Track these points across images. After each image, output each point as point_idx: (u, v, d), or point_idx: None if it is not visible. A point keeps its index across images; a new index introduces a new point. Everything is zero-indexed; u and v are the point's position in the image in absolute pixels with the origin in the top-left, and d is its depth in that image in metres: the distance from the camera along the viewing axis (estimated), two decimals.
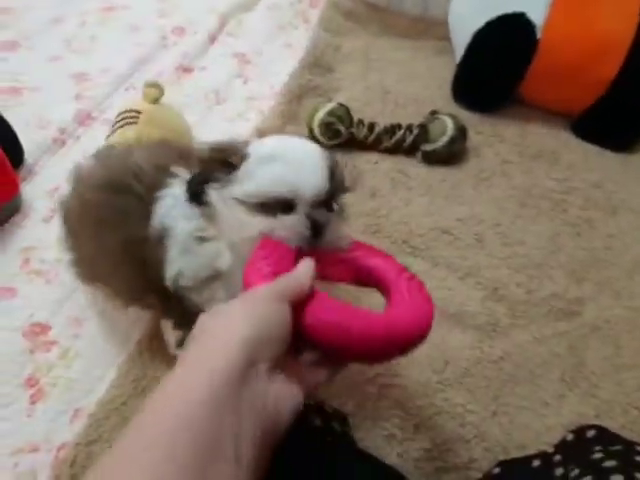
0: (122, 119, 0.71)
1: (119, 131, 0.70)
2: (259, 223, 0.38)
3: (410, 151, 0.81)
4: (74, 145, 0.81)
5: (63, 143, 0.81)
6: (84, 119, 0.84)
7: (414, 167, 0.80)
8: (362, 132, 0.80)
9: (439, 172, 0.79)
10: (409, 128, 0.80)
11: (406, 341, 0.32)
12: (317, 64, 0.94)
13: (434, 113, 0.80)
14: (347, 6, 1.02)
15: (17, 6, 1.05)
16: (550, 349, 0.58)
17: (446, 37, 0.96)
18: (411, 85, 0.91)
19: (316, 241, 0.37)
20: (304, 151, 0.40)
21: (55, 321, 0.61)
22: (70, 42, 0.99)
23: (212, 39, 1.03)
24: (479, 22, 0.78)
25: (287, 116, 0.86)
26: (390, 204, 0.75)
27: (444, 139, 0.78)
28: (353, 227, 0.71)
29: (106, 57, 0.96)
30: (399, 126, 0.81)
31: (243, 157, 0.40)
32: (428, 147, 0.79)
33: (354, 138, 0.80)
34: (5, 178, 0.67)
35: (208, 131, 0.86)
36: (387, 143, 0.81)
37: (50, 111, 0.85)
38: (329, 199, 0.40)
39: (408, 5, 0.99)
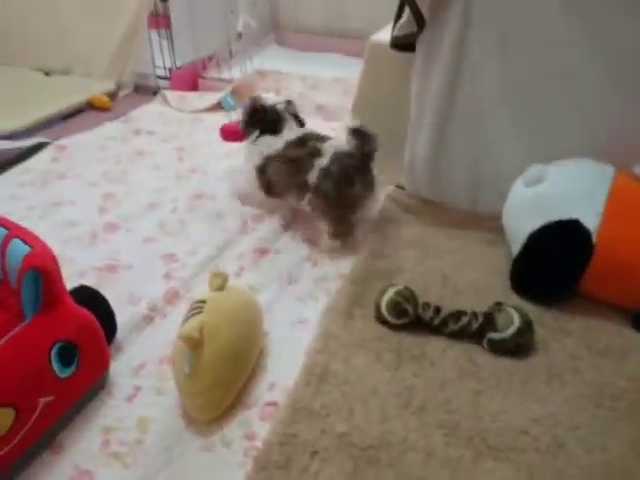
0: (192, 310, 0.76)
1: (188, 321, 0.74)
2: None
3: (475, 337, 0.84)
4: (161, 322, 0.88)
5: (152, 320, 0.88)
6: (172, 298, 0.93)
7: (482, 356, 0.81)
8: (428, 314, 0.85)
9: (508, 364, 0.80)
10: (474, 315, 0.84)
11: None
12: (377, 252, 1.03)
13: (499, 304, 0.85)
14: (405, 201, 1.16)
15: (119, 192, 1.24)
16: None
17: (496, 230, 1.05)
18: (468, 272, 0.98)
19: None
20: None
21: None
22: (162, 226, 1.13)
23: (286, 225, 1.16)
24: (534, 224, 0.86)
25: (354, 298, 0.92)
26: (460, 395, 0.75)
27: (511, 330, 0.80)
28: (425, 420, 0.71)
29: (194, 240, 1.09)
30: (464, 312, 0.85)
31: None
32: (495, 336, 0.81)
33: (420, 319, 0.85)
34: (100, 354, 0.73)
35: (280, 309, 0.93)
36: (453, 327, 0.84)
37: (141, 289, 0.94)
38: None
39: (460, 201, 1.12)
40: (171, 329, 0.86)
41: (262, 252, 1.07)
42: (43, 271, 0.64)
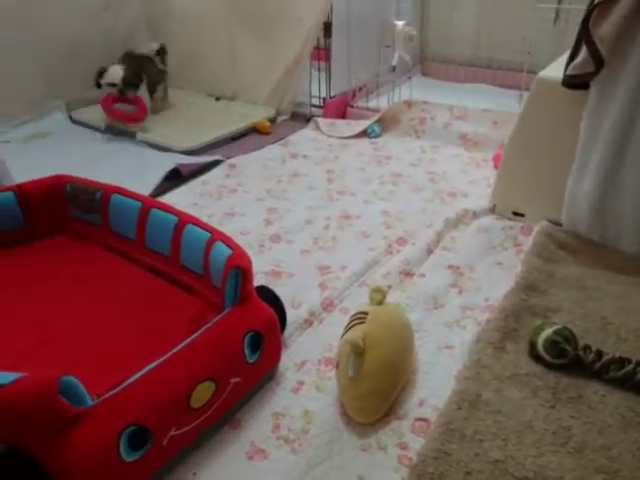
0: (354, 319, 0.84)
1: (352, 329, 0.82)
2: None
3: (638, 388, 0.79)
4: (318, 327, 0.97)
5: (310, 324, 0.98)
6: (327, 306, 1.02)
7: None
8: (589, 357, 0.82)
9: None
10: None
11: None
12: (530, 287, 1.02)
13: None
14: (560, 237, 1.13)
15: (280, 208, 1.38)
16: None
17: None
18: (632, 320, 0.92)
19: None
20: None
21: None
22: (317, 240, 1.24)
23: (429, 251, 1.20)
24: None
25: (504, 331, 0.92)
26: (622, 444, 0.72)
27: None
28: (582, 462, 0.69)
29: (344, 256, 1.18)
30: (629, 360, 0.81)
31: None
32: None
33: (580, 362, 0.82)
34: (277, 346, 0.83)
35: (427, 333, 0.96)
36: (615, 374, 0.80)
37: (301, 294, 1.05)
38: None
39: (624, 243, 1.06)
40: (327, 334, 0.95)
41: (407, 274, 1.12)
42: (243, 270, 0.77)
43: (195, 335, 0.72)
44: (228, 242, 0.84)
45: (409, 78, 1.92)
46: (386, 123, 1.86)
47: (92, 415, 0.62)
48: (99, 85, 1.74)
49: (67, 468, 0.59)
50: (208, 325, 0.74)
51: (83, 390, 0.64)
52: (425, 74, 2.29)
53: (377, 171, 1.60)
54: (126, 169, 1.55)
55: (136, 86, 1.77)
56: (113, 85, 1.72)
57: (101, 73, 1.74)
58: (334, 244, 1.23)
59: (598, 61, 0.92)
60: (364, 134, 1.84)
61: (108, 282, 0.96)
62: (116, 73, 1.71)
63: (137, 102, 1.78)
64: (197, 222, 0.91)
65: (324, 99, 1.93)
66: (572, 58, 0.97)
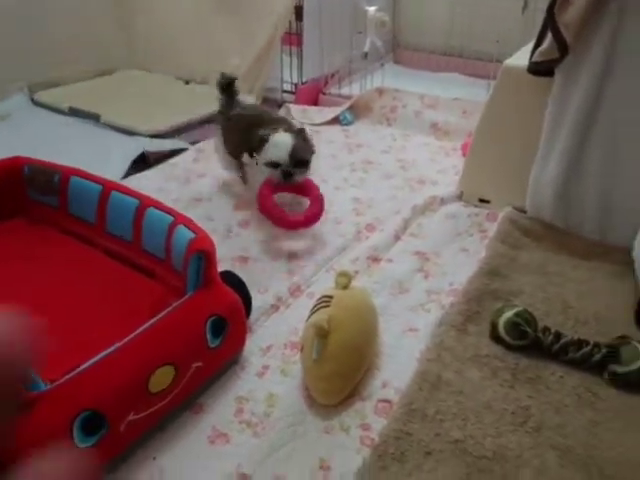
0: (319, 303, 0.84)
1: (317, 313, 0.82)
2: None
3: (595, 368, 0.82)
4: (285, 311, 0.96)
5: (277, 309, 0.97)
6: (294, 291, 1.01)
7: (601, 387, 0.79)
8: (548, 339, 0.84)
9: (628, 397, 0.77)
10: (597, 345, 0.82)
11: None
12: (493, 272, 1.04)
13: (624, 337, 0.82)
14: (524, 223, 1.15)
15: (248, 194, 1.36)
16: None
17: (625, 262, 1.01)
18: (592, 304, 0.95)
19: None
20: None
21: (257, 476, 0.67)
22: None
23: (397, 237, 1.20)
24: None
25: (466, 314, 0.93)
26: (576, 422, 0.74)
27: (637, 364, 0.78)
28: (539, 440, 0.71)
29: (314, 242, 1.17)
30: (587, 342, 0.83)
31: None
32: (619, 369, 0.79)
33: (539, 343, 0.84)
34: (241, 331, 0.82)
35: (392, 316, 0.97)
36: (573, 355, 0.83)
37: (268, 280, 1.04)
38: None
39: (587, 230, 1.08)
40: (294, 318, 0.94)
41: (374, 259, 1.12)
42: (206, 254, 0.75)
43: (154, 319, 0.70)
44: (191, 226, 0.82)
45: (381, 65, 1.92)
46: (358, 110, 1.85)
47: (45, 400, 0.61)
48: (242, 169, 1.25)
49: (17, 453, 0.57)
50: (168, 309, 0.72)
51: (36, 375, 0.61)
52: (397, 62, 2.29)
53: (348, 158, 1.59)
54: (91, 152, 1.50)
55: (307, 164, 1.15)
56: (276, 165, 1.10)
57: (249, 142, 1.15)
58: (303, 231, 1.22)
59: (563, 47, 0.93)
60: (336, 121, 1.82)
61: (68, 266, 0.93)
62: (283, 146, 1.09)
63: (307, 189, 1.15)
64: (159, 205, 0.88)
65: (296, 85, 1.91)
66: (537, 45, 0.98)
